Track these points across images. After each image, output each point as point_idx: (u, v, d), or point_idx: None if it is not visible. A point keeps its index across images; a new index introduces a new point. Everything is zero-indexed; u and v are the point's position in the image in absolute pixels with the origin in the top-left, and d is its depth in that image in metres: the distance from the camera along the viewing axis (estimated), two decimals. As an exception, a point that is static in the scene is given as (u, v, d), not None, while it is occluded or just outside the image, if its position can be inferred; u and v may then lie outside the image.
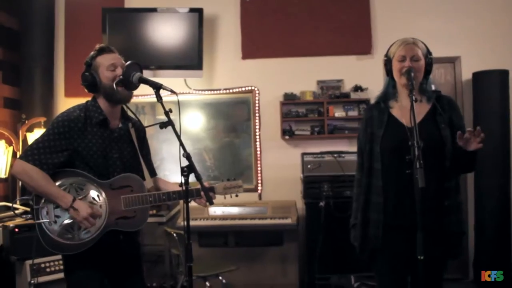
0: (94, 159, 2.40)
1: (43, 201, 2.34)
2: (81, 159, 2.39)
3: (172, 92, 2.27)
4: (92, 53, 2.48)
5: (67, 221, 2.33)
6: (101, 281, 2.44)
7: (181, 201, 2.54)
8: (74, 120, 2.38)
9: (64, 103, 5.33)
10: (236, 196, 2.69)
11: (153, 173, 2.73)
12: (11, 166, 4.32)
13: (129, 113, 2.62)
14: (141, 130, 2.68)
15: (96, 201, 2.38)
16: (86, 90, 2.49)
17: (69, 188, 2.35)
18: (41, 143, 2.34)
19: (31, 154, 2.31)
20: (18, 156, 2.36)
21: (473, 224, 4.86)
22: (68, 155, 2.36)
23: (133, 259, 2.60)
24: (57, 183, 2.34)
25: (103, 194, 2.40)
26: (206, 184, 2.44)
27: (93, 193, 2.38)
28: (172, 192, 2.50)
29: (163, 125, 2.25)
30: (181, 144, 2.20)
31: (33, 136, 4.51)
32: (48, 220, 2.32)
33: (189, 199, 2.33)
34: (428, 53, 2.54)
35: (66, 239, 2.33)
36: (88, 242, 2.35)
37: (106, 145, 2.45)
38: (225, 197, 2.68)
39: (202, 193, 2.41)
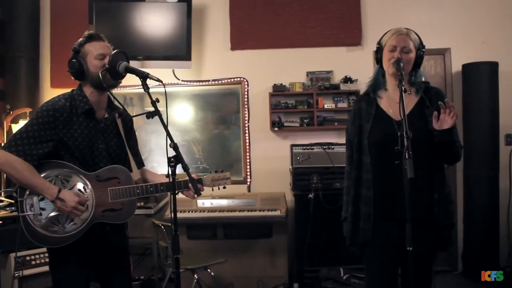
0: (80, 149, 2.36)
1: (27, 193, 2.29)
2: (66, 149, 2.34)
3: (159, 81, 2.23)
4: (80, 39, 2.41)
5: (52, 214, 2.28)
6: (87, 275, 2.41)
7: (169, 193, 2.51)
8: (59, 109, 2.32)
9: (50, 93, 5.24)
10: (224, 188, 2.66)
11: (140, 164, 2.69)
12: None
13: (116, 103, 2.57)
14: (128, 121, 2.63)
15: (82, 193, 2.34)
16: (72, 78, 2.43)
17: (55, 180, 2.30)
18: (25, 133, 2.28)
19: (15, 144, 2.25)
20: (1, 146, 2.29)
21: (462, 217, 4.87)
22: (53, 146, 2.31)
23: (120, 251, 2.56)
24: (42, 175, 2.29)
25: (90, 186, 2.35)
26: (194, 176, 2.41)
27: (80, 185, 2.34)
28: (159, 184, 2.46)
29: (149, 115, 2.21)
30: (168, 134, 2.17)
31: (18, 127, 4.42)
32: (33, 213, 2.28)
33: (177, 191, 2.30)
34: (420, 45, 2.51)
35: (52, 232, 2.29)
36: (74, 235, 2.31)
37: (92, 135, 2.40)
38: (212, 189, 2.66)
39: (190, 184, 2.38)
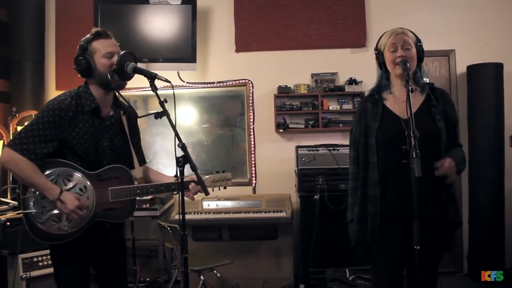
0: (84, 147, 2.36)
1: (32, 191, 2.30)
2: (70, 147, 2.34)
3: (167, 81, 2.23)
4: (88, 36, 2.40)
5: (54, 212, 2.29)
6: (87, 273, 2.43)
7: (174, 194, 2.52)
8: (65, 108, 2.32)
9: (55, 96, 5.25)
10: (224, 188, 2.66)
11: (142, 161, 2.69)
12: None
13: (121, 100, 2.56)
14: (132, 118, 2.63)
15: (83, 192, 2.34)
16: (78, 75, 2.43)
17: (57, 179, 2.31)
18: (30, 132, 2.27)
19: (20, 143, 2.25)
20: (6, 143, 2.29)
21: (467, 218, 4.86)
22: (57, 145, 2.31)
23: (117, 249, 2.59)
24: (45, 173, 2.29)
25: (91, 185, 2.36)
26: (193, 177, 2.42)
27: (81, 184, 2.34)
28: (159, 184, 2.47)
29: (158, 115, 2.22)
30: (176, 134, 2.18)
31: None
32: (35, 210, 2.29)
33: (176, 192, 2.33)
34: (417, 41, 2.53)
35: (53, 229, 2.30)
36: (74, 232, 2.33)
37: (97, 133, 2.40)
38: (213, 190, 2.62)
39: (190, 185, 2.42)
